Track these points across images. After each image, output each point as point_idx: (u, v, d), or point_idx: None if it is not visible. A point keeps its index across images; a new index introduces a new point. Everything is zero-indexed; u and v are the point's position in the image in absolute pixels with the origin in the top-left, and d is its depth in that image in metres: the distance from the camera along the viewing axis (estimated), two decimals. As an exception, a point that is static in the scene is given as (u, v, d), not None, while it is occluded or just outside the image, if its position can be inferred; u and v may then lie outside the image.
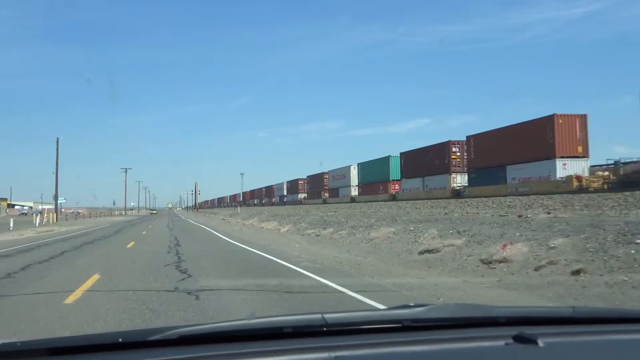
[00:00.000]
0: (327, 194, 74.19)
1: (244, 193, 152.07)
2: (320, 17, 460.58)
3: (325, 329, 1.56)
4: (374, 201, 49.17)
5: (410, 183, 48.14)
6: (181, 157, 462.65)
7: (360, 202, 54.03)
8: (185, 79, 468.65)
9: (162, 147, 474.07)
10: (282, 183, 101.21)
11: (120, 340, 1.45)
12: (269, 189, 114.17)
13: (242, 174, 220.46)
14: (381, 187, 54.40)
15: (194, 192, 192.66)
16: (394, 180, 52.65)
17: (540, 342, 1.41)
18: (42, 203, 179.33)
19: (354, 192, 63.15)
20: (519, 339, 1.45)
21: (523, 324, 1.66)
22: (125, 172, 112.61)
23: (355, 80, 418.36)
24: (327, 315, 1.59)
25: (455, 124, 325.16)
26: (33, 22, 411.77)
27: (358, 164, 61.02)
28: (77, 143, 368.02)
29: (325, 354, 1.35)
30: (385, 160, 53.52)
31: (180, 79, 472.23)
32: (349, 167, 64.53)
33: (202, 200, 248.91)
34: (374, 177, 55.56)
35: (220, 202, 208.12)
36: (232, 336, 1.52)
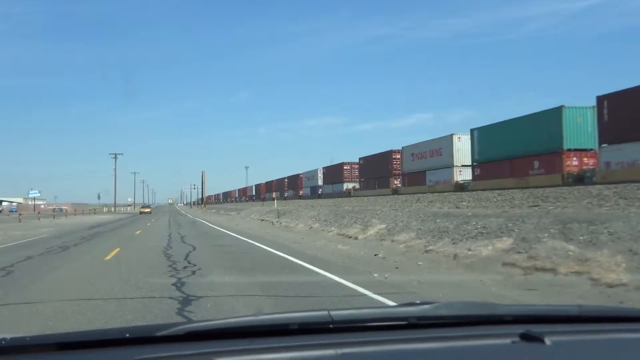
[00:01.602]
0: (398, 182, 51.36)
1: (257, 186, 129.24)
2: (320, 11, 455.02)
3: (331, 325, 1.53)
4: (533, 187, 26.34)
5: (634, 150, 25.09)
6: (181, 152, 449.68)
7: (477, 190, 31.30)
8: (183, 75, 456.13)
9: (160, 143, 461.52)
10: (315, 171, 78.31)
11: (127, 335, 1.44)
12: (294, 179, 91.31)
13: (246, 168, 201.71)
14: (537, 164, 31.46)
15: (197, 185, 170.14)
16: (572, 150, 29.69)
17: (547, 340, 1.39)
18: (34, 199, 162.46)
19: (462, 175, 40.27)
20: (525, 337, 1.43)
21: (530, 322, 1.62)
22: (115, 158, 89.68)
23: (356, 75, 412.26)
24: (333, 312, 1.56)
25: (457, 119, 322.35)
26: (32, 18, 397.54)
27: (473, 130, 37.97)
28: (74, 139, 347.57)
29: (331, 351, 1.34)
30: (551, 117, 30.40)
31: (179, 74, 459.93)
32: (449, 138, 41.49)
33: (206, 195, 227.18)
34: (518, 147, 32.56)
35: (226, 197, 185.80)
36: (238, 332, 1.50)
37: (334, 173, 69.13)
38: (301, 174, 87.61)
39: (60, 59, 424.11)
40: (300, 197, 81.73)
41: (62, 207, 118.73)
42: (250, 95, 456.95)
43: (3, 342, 1.38)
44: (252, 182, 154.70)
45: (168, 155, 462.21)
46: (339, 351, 1.34)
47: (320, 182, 76.36)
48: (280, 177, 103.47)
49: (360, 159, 60.56)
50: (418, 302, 1.77)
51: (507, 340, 1.44)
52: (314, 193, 76.56)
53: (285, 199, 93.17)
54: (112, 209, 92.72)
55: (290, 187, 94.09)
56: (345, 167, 66.11)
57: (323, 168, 74.58)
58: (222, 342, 1.43)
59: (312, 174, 79.94)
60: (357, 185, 63.22)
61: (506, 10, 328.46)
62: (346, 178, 65.80)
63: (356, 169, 65.90)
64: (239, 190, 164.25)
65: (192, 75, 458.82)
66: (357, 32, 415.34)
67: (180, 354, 1.32)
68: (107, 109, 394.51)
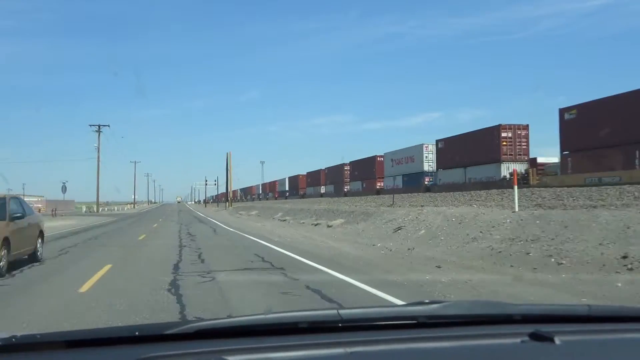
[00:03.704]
0: None
1: (292, 178, 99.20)
2: (330, 10, 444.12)
3: (340, 324, 1.52)
4: None
5: None
6: (190, 151, 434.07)
7: None
8: (194, 73, 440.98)
9: (169, 141, 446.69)
10: (417, 148, 47.92)
11: (137, 333, 1.44)
12: (365, 166, 60.85)
13: (262, 163, 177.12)
14: None
15: (210, 180, 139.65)
16: None
17: (557, 340, 1.38)
18: (23, 195, 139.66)
19: None
20: (535, 336, 1.42)
21: (539, 322, 1.61)
22: (98, 131, 59.85)
23: (365, 74, 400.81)
24: (342, 311, 1.56)
25: (467, 118, 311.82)
26: (43, 15, 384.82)
27: None
28: (84, 137, 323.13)
29: (340, 350, 1.34)
30: None
31: (189, 73, 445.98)
32: None
33: (220, 193, 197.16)
34: None
35: (245, 194, 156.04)
36: (248, 331, 1.49)
37: (474, 147, 38.60)
38: (380, 156, 57.32)
39: (70, 57, 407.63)
40: (380, 192, 51.85)
41: (37, 206, 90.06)
42: (261, 93, 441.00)
43: (14, 339, 1.37)
44: (267, 178, 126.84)
45: (177, 153, 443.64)
46: (349, 350, 1.33)
47: (428, 167, 46.18)
48: (334, 164, 73.35)
49: (563, 111, 29.92)
50: (427, 301, 1.74)
51: (517, 340, 1.42)
52: (414, 184, 46.50)
53: (346, 194, 63.19)
54: (94, 207, 62.83)
55: (355, 178, 63.87)
56: (504, 135, 35.71)
57: (439, 141, 44.07)
58: (232, 341, 1.41)
59: (409, 154, 49.51)
60: (569, 163, 33.13)
61: (516, 9, 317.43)
62: (505, 154, 35.57)
63: (524, 135, 35.70)
64: (262, 185, 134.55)
65: (202, 74, 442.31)
66: (367, 31, 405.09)
67: (189, 352, 1.30)
68: (115, 106, 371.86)
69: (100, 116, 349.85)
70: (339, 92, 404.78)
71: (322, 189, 77.79)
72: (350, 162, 66.44)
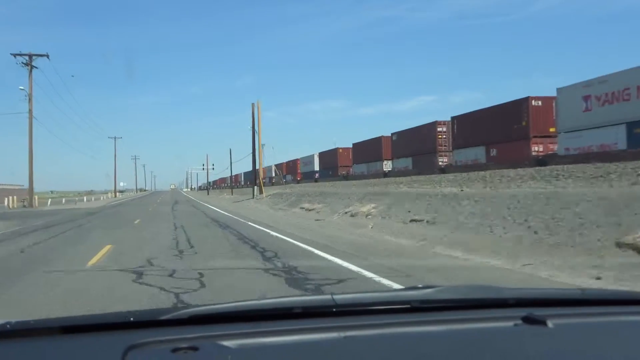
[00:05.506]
0: None
1: (326, 154, 73.55)
2: None
3: (334, 309, 1.54)
4: None
5: None
6: (185, 137, 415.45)
7: None
8: (188, 59, 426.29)
9: (163, 128, 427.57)
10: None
11: (131, 319, 1.45)
12: (489, 121, 34.99)
13: (263, 145, 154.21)
14: None
15: (206, 165, 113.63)
16: None
17: (550, 323, 1.40)
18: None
19: None
20: (528, 320, 1.44)
21: (532, 305, 1.63)
22: (29, 64, 33.61)
23: (359, 58, 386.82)
24: (336, 296, 1.58)
25: (461, 100, 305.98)
26: (40, 2, 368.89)
27: None
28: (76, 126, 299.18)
29: (334, 334, 1.36)
30: None
31: (184, 58, 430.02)
32: None
33: (218, 178, 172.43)
34: None
35: (248, 178, 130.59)
36: (242, 316, 1.51)
37: None
38: (537, 98, 31.82)
39: (63, 44, 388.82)
40: (545, 163, 26.84)
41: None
42: (256, 79, 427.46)
43: (8, 325, 1.38)
44: (265, 163, 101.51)
45: (171, 140, 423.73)
46: (343, 334, 1.34)
47: None
48: (326, 148, 47.72)
49: None
50: (421, 285, 1.76)
51: (510, 323, 1.44)
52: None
53: (443, 170, 37.98)
54: (28, 199, 37.00)
55: (466, 143, 38.19)
56: None
57: None
58: (226, 326, 1.42)
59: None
60: None
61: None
62: None
63: None
64: (277, 166, 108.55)
65: (197, 60, 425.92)
66: (361, 14, 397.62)
67: (184, 337, 1.30)
68: (107, 93, 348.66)
69: (94, 105, 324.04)
70: (333, 78, 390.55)
71: (386, 165, 52.39)
72: (453, 117, 40.81)
